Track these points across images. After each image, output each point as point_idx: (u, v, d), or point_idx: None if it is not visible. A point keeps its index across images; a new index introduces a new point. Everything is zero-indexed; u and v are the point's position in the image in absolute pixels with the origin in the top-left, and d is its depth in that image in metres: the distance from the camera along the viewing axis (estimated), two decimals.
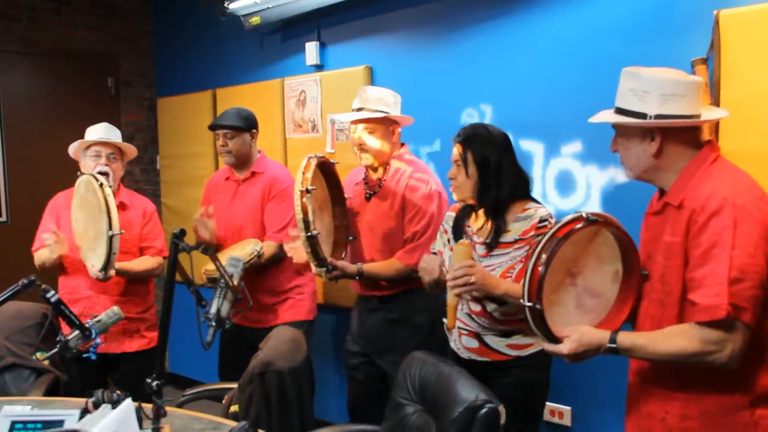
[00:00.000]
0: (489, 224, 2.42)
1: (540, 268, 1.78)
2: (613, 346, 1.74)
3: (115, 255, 2.93)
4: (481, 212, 2.47)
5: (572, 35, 3.00)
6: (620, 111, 1.81)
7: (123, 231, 2.96)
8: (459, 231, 2.52)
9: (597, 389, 3.02)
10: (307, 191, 2.65)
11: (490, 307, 2.41)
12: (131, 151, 3.35)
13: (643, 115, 1.76)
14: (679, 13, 2.69)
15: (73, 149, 3.29)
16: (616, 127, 1.87)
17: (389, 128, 2.89)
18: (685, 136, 1.78)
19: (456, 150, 2.44)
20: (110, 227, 2.88)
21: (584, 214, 1.81)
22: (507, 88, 3.23)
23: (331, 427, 3.04)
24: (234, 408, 2.31)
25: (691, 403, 1.74)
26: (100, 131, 3.26)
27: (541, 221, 2.34)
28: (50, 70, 4.82)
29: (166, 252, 3.36)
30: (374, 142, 2.86)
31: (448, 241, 2.56)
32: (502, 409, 1.92)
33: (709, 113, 1.82)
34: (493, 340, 2.43)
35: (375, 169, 2.95)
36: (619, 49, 2.85)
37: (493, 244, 2.38)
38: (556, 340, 1.81)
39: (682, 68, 2.59)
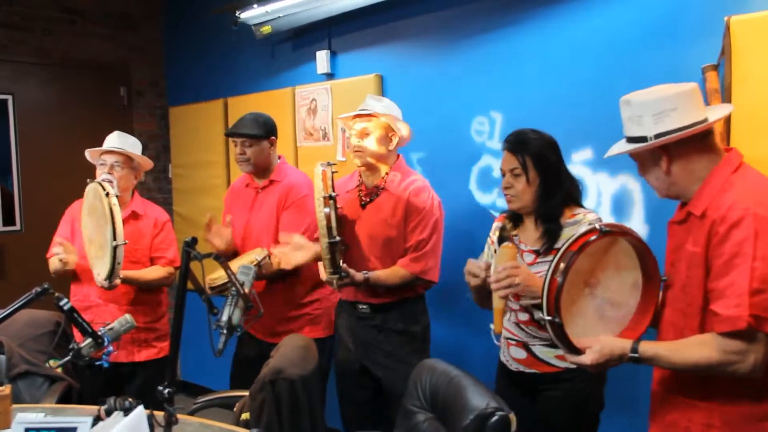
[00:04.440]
0: (539, 231, 2.38)
1: (557, 281, 1.79)
2: (635, 355, 1.74)
3: (120, 265, 2.91)
4: (529, 220, 2.44)
5: (583, 42, 3.00)
6: (628, 140, 1.85)
7: (127, 241, 2.92)
8: (505, 241, 2.44)
9: (611, 396, 3.00)
10: (330, 197, 2.65)
11: (537, 315, 2.37)
12: (142, 159, 3.33)
13: (644, 139, 1.78)
14: (689, 20, 2.68)
15: (88, 157, 3.33)
16: (630, 155, 1.88)
17: (387, 135, 2.89)
18: (691, 146, 1.78)
19: (508, 158, 2.39)
20: (114, 237, 2.85)
21: (598, 226, 1.83)
22: (517, 96, 3.23)
23: None
24: (245, 416, 2.31)
25: (714, 412, 1.73)
26: (110, 140, 3.28)
27: (589, 225, 2.32)
28: (64, 79, 4.87)
29: (178, 262, 3.34)
30: (371, 144, 2.86)
31: (495, 251, 2.52)
32: (512, 416, 1.91)
33: (714, 113, 1.81)
34: (541, 351, 2.39)
35: (371, 175, 2.94)
36: (629, 56, 2.85)
37: (549, 248, 2.34)
38: (578, 351, 1.81)
39: (693, 74, 2.61)
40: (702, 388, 1.75)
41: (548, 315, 1.81)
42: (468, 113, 3.42)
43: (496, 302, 2.25)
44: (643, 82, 2.78)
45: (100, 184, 2.97)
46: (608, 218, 2.95)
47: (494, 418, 1.90)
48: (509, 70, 3.26)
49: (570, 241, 1.82)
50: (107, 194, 2.91)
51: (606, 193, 2.96)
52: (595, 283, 1.90)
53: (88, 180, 3.08)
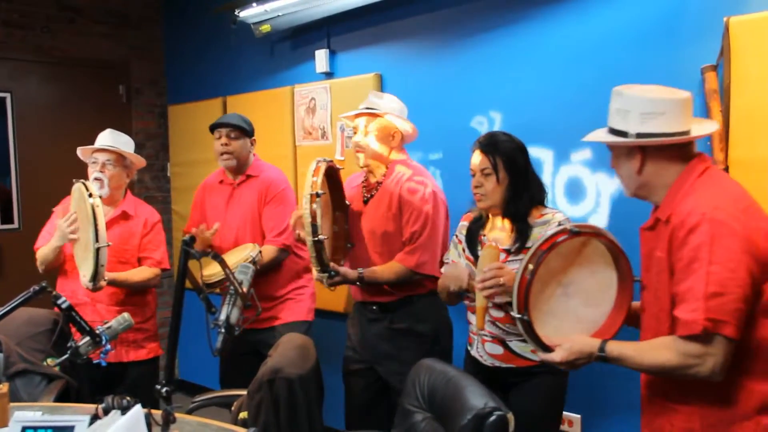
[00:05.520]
0: (509, 231, 2.42)
1: (527, 279, 1.85)
2: (602, 354, 1.80)
3: (103, 267, 2.87)
4: (497, 221, 2.48)
5: (582, 42, 3.00)
6: (610, 130, 1.87)
7: (110, 243, 2.88)
8: (473, 240, 2.52)
9: (607, 398, 3.00)
10: (317, 195, 2.64)
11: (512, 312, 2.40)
12: (134, 157, 3.31)
13: (624, 134, 1.80)
14: (689, 20, 2.69)
15: (80, 155, 3.31)
16: (607, 146, 1.92)
17: (390, 132, 2.88)
18: (668, 153, 1.80)
19: (480, 158, 2.44)
20: (96, 239, 2.80)
21: (568, 227, 1.89)
22: (516, 96, 3.23)
23: None
24: (243, 415, 2.31)
25: (693, 416, 1.76)
26: (102, 138, 3.27)
27: (559, 225, 2.33)
28: (63, 77, 4.86)
29: (165, 264, 3.36)
30: (372, 144, 2.86)
31: (463, 250, 2.56)
32: (510, 416, 1.92)
33: (699, 128, 1.83)
34: (518, 346, 2.43)
35: (373, 173, 2.93)
36: (628, 56, 2.85)
37: (520, 248, 2.38)
38: (548, 348, 1.88)
39: (692, 75, 2.61)
40: (680, 391, 1.78)
41: (518, 313, 1.87)
42: (467, 112, 3.42)
43: (480, 301, 2.28)
44: (642, 83, 2.79)
45: (84, 184, 2.94)
46: (606, 220, 2.95)
47: (492, 418, 1.90)
48: (508, 70, 3.26)
49: (540, 240, 1.88)
50: (90, 195, 2.88)
51: (605, 193, 2.96)
52: (569, 283, 1.95)
53: (73, 180, 3.03)
